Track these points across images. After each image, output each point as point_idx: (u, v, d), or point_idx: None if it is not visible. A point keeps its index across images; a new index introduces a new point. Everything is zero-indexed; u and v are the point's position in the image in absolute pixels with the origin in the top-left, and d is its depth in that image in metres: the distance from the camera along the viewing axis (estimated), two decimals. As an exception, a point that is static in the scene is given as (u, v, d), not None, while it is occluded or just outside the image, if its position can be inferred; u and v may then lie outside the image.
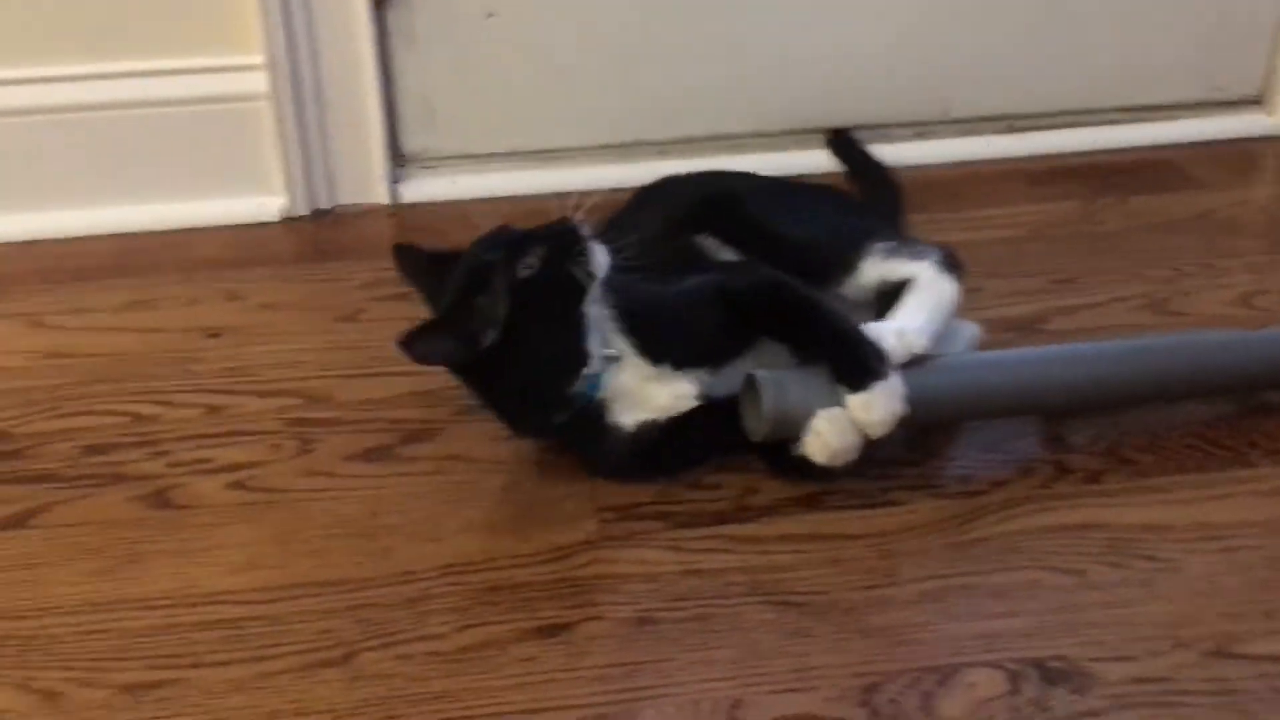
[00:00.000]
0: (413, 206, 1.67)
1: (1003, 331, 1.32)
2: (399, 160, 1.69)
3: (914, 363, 1.09)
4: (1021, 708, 0.92)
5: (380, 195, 1.67)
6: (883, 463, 1.16)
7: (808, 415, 1.07)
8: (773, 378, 1.08)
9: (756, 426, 1.10)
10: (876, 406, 1.06)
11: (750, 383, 1.10)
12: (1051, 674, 0.94)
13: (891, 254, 1.20)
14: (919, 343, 1.10)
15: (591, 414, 1.11)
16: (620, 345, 1.11)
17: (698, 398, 1.11)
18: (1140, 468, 1.15)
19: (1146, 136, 1.76)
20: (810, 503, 1.12)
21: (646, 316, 1.12)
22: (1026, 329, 1.36)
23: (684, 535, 1.08)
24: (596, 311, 1.09)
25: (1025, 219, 1.59)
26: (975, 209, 1.62)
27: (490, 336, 1.06)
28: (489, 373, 1.09)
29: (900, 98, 1.73)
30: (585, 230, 1.10)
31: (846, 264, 1.20)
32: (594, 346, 1.09)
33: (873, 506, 1.11)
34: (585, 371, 1.08)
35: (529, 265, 1.07)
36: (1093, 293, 1.42)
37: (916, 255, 1.20)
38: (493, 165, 1.70)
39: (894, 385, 1.06)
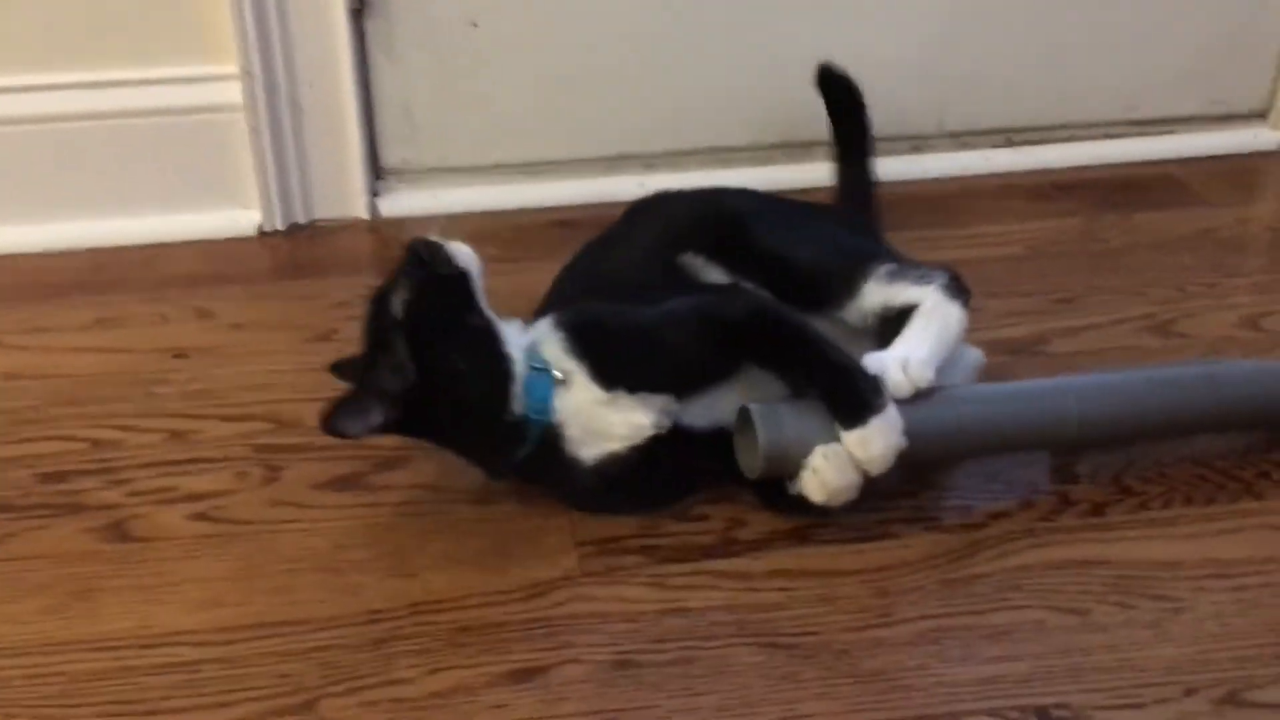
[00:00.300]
0: (393, 221, 1.62)
1: (1001, 354, 1.27)
2: (378, 173, 1.64)
3: (917, 395, 1.03)
4: (1023, 761, 0.87)
5: (359, 209, 1.62)
6: (877, 494, 1.10)
7: (805, 451, 1.02)
8: (768, 411, 1.02)
9: (751, 463, 1.04)
10: (874, 442, 1.00)
11: (744, 416, 1.04)
12: (1054, 723, 0.89)
13: (895, 277, 1.14)
14: (923, 375, 1.04)
15: (550, 445, 1.05)
16: (569, 366, 1.05)
17: (658, 426, 1.04)
18: (1145, 499, 1.10)
19: (1148, 151, 1.71)
20: (801, 536, 1.06)
21: (600, 337, 1.06)
22: (1026, 351, 1.31)
23: (667, 571, 1.03)
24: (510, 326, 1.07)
25: (1024, 236, 1.54)
26: (973, 226, 1.57)
27: (405, 381, 1.02)
28: (428, 417, 1.05)
29: (895, 110, 1.68)
30: (434, 236, 1.07)
31: (849, 287, 1.14)
32: (514, 350, 1.05)
33: (866, 540, 1.06)
34: (517, 388, 1.04)
35: (401, 298, 1.04)
36: (1094, 313, 1.37)
37: (921, 279, 1.13)
38: (475, 178, 1.65)
39: (892, 419, 1.01)
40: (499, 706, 0.91)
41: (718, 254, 1.18)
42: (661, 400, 1.05)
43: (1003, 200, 1.63)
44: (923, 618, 0.98)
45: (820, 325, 1.11)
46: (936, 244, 1.46)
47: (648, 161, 1.67)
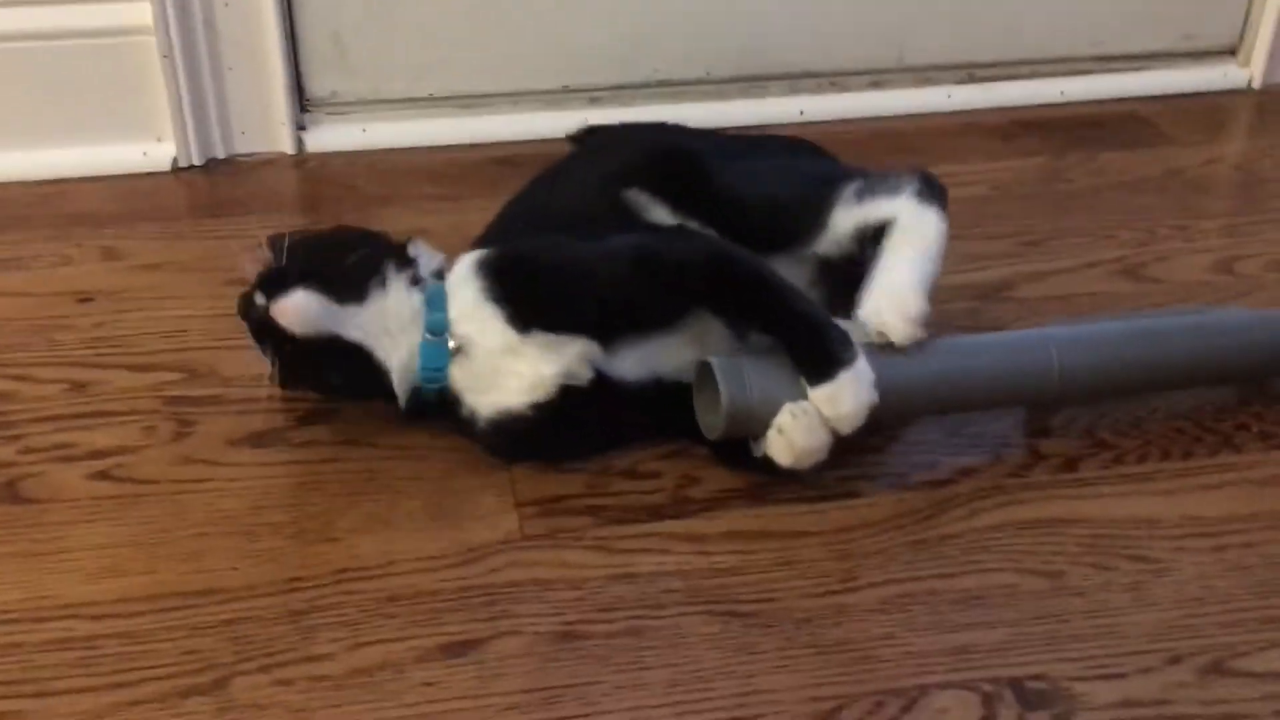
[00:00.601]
0: (319, 156, 1.51)
1: (968, 299, 1.21)
2: (304, 105, 1.53)
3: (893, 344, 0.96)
4: (998, 734, 0.80)
5: (283, 143, 1.51)
6: (840, 449, 1.03)
7: (771, 410, 0.93)
8: (730, 366, 0.94)
9: (712, 422, 0.96)
10: (844, 399, 0.92)
11: (703, 371, 0.96)
12: (1030, 696, 0.83)
13: (864, 194, 1.05)
14: (915, 304, 0.96)
15: (447, 401, 0.99)
16: (483, 313, 0.97)
17: (570, 378, 0.96)
18: (1120, 453, 1.04)
19: (1115, 88, 1.64)
20: (757, 496, 0.99)
21: (522, 273, 0.98)
22: (992, 296, 1.24)
23: (614, 533, 0.95)
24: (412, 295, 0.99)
25: (988, 176, 1.47)
26: (934, 165, 1.44)
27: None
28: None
29: (852, 44, 1.60)
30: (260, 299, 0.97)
31: (818, 217, 1.05)
32: (395, 346, 0.98)
33: (828, 499, 0.99)
34: (399, 376, 0.98)
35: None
36: (1063, 257, 1.31)
37: (891, 189, 1.05)
38: (409, 112, 1.55)
39: (863, 373, 0.93)
40: (429, 684, 0.83)
41: (667, 193, 1.08)
42: (582, 345, 0.96)
43: (965, 139, 1.56)
44: (888, 582, 0.91)
45: (789, 266, 1.03)
46: (897, 184, 1.38)
47: (592, 96, 1.57)
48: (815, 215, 1.05)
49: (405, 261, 1.00)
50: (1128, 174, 1.47)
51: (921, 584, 0.91)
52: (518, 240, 1.04)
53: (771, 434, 0.94)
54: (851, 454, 1.03)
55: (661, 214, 1.07)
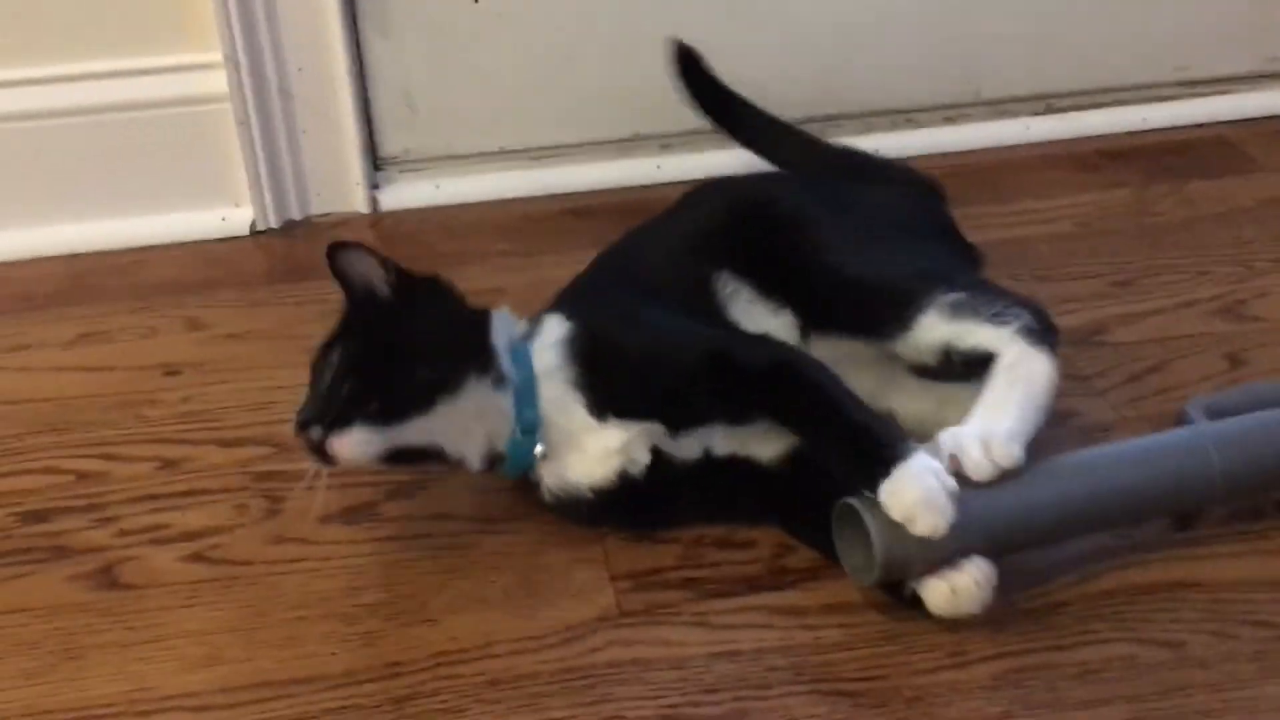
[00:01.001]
0: (394, 214, 1.51)
1: (1059, 346, 1.17)
2: (377, 163, 1.53)
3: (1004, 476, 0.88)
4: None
5: (358, 203, 1.51)
6: (938, 512, 1.01)
7: (930, 553, 0.86)
8: (880, 508, 0.86)
9: (859, 567, 0.90)
10: (905, 491, 0.85)
11: (847, 511, 0.89)
12: (1157, 777, 0.80)
13: (961, 312, 0.97)
14: (1009, 452, 0.88)
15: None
16: (569, 399, 0.96)
17: (632, 465, 0.96)
18: (1237, 511, 1.00)
19: (1200, 113, 1.59)
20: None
21: (603, 360, 0.97)
22: (1085, 342, 1.20)
23: (712, 608, 0.93)
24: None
25: (1072, 211, 1.43)
26: (1015, 201, 1.46)
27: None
28: None
29: (926, 79, 1.57)
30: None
31: (903, 319, 0.98)
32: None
33: (930, 566, 0.96)
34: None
35: None
36: (1156, 296, 1.27)
37: (996, 318, 0.96)
38: (480, 166, 1.54)
39: (922, 465, 0.86)
40: (535, 774, 0.82)
41: (753, 271, 1.04)
42: (649, 429, 0.95)
43: (1046, 172, 1.52)
44: (1000, 656, 0.88)
45: (869, 359, 1.01)
46: (978, 221, 1.34)
47: (663, 142, 1.56)
48: (901, 314, 0.98)
49: (486, 365, 0.95)
50: (1220, 204, 1.43)
51: (1035, 656, 0.88)
52: (603, 310, 1.02)
53: (940, 587, 0.87)
54: (952, 517, 1.00)
55: (747, 297, 1.04)
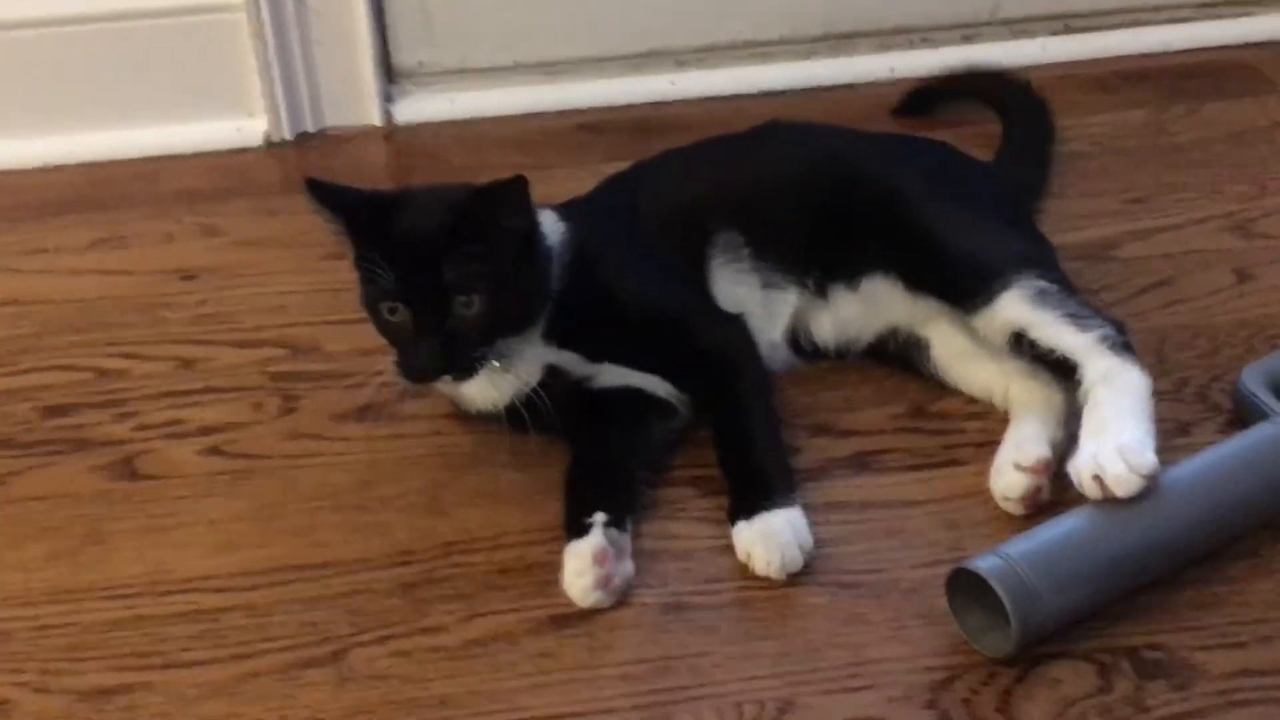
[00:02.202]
0: (408, 128, 1.52)
1: (1069, 260, 1.17)
2: (391, 76, 1.53)
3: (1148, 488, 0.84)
4: (1114, 707, 0.79)
5: (372, 116, 1.52)
6: (941, 415, 1.03)
7: (1067, 611, 0.83)
8: (1013, 578, 0.80)
9: (977, 630, 0.83)
10: (757, 533, 0.88)
11: (964, 578, 0.83)
12: (1147, 666, 0.82)
13: (1046, 301, 0.95)
14: (1147, 460, 0.84)
15: None
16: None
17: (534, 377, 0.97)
18: (1233, 414, 1.01)
19: (1219, 35, 1.58)
20: (861, 464, 0.99)
21: (593, 312, 0.98)
22: (1095, 256, 1.21)
23: (718, 504, 0.95)
24: None
25: (1089, 131, 1.42)
26: (1030, 120, 1.45)
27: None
28: None
29: (943, -3, 1.56)
30: None
31: (986, 293, 0.96)
32: None
33: (932, 467, 0.98)
34: None
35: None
36: (1168, 213, 1.27)
37: (1078, 320, 0.94)
38: (496, 80, 1.54)
39: (795, 520, 0.89)
40: (543, 655, 0.84)
41: (849, 215, 1.03)
42: (573, 359, 0.97)
43: (1063, 93, 1.50)
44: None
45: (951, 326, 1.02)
46: (994, 141, 1.35)
47: (678, 59, 1.55)
48: (988, 287, 0.96)
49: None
50: (1235, 125, 1.42)
51: (1032, 553, 0.90)
52: (599, 229, 1.02)
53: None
54: (954, 420, 1.02)
55: (743, 263, 1.04)
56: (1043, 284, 0.97)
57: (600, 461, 0.96)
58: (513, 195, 0.92)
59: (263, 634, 0.87)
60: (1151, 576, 0.86)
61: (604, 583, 0.86)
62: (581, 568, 0.87)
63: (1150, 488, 0.84)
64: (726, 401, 0.97)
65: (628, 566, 0.89)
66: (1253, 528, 0.90)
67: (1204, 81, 1.51)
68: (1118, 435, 0.86)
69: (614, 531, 0.89)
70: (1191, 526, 0.87)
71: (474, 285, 0.90)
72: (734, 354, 0.99)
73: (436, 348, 0.91)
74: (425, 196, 0.96)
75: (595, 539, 0.87)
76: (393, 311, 0.92)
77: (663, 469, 0.98)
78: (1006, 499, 0.93)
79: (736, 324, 1.02)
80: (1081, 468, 0.86)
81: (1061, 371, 0.95)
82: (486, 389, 0.98)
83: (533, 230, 0.95)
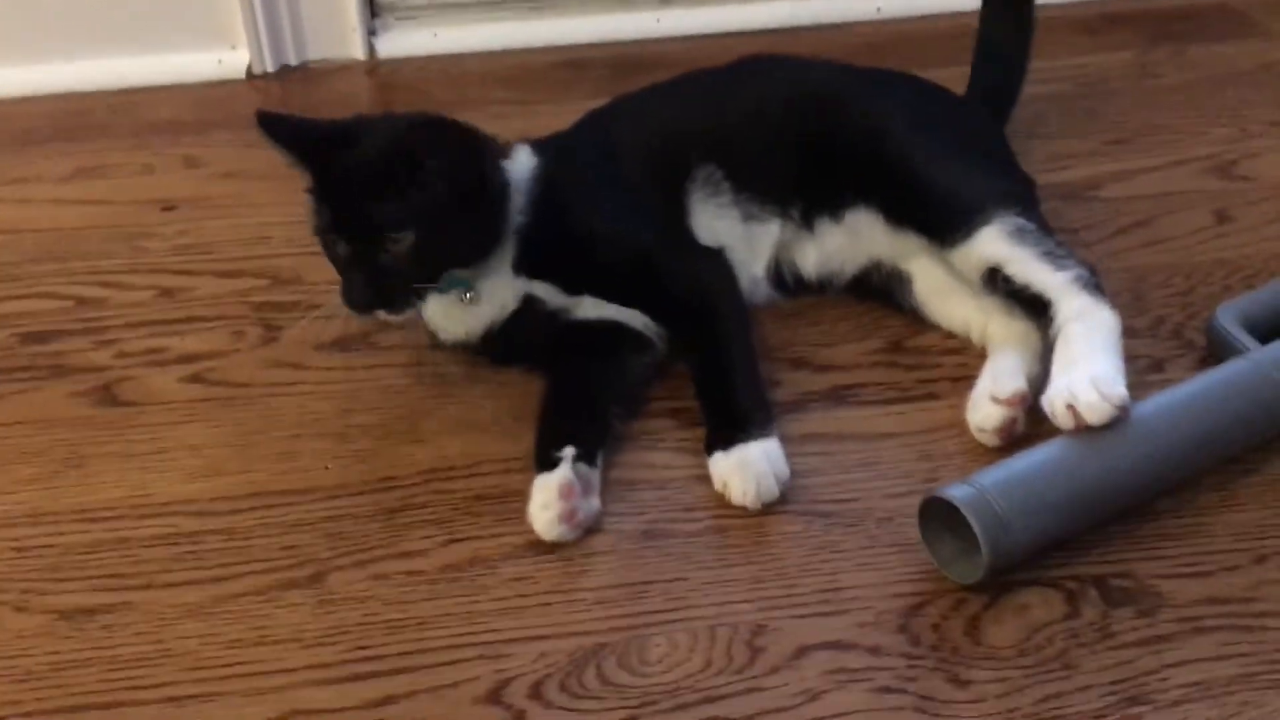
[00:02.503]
0: (391, 62, 1.51)
1: (1051, 200, 1.17)
2: (375, 10, 1.52)
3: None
4: (1081, 632, 0.81)
5: (355, 49, 1.51)
6: (918, 350, 1.03)
7: (1037, 541, 0.83)
8: (985, 506, 0.81)
9: (948, 559, 0.84)
10: (739, 471, 0.89)
11: (935, 506, 0.84)
12: (1115, 594, 0.83)
13: (1024, 238, 0.96)
14: (1118, 391, 0.85)
15: None
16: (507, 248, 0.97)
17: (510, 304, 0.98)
18: (1206, 351, 1.02)
19: (1206, -22, 1.58)
20: (838, 397, 0.99)
21: (564, 244, 0.98)
22: (1077, 196, 1.21)
23: (696, 435, 0.96)
24: None
25: (1072, 72, 1.43)
26: (1016, 61, 1.45)
27: None
28: None
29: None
30: None
31: (965, 227, 0.97)
32: None
33: (908, 401, 0.99)
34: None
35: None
36: (1150, 155, 1.28)
37: (1053, 258, 0.95)
38: (480, 15, 1.54)
39: (769, 450, 0.90)
40: (519, 579, 0.85)
41: (833, 149, 1.03)
42: (545, 288, 0.98)
43: (1049, 34, 1.48)
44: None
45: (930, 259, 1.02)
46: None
47: (664, -6, 1.55)
48: (967, 221, 0.97)
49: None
50: (1219, 68, 1.43)
51: (1005, 484, 0.91)
52: (572, 163, 1.03)
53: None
54: (930, 355, 1.03)
55: (722, 201, 1.04)
56: (1021, 221, 0.98)
57: (575, 395, 0.96)
58: (436, 135, 0.93)
59: (242, 556, 0.88)
60: (1121, 507, 0.87)
61: (568, 517, 0.87)
62: (547, 501, 0.87)
63: (1121, 418, 0.86)
64: (705, 336, 0.98)
65: (594, 503, 0.89)
66: (1222, 460, 0.91)
67: (1189, 24, 1.51)
68: (1090, 367, 0.88)
69: (583, 466, 0.89)
70: (1161, 459, 0.88)
71: (402, 223, 0.90)
72: (711, 289, 1.00)
73: (368, 281, 0.91)
74: (367, 131, 0.95)
75: (563, 473, 0.88)
76: (333, 244, 0.93)
77: (639, 402, 0.99)
78: (982, 430, 0.94)
79: (715, 258, 1.02)
80: (1055, 397, 0.87)
81: (1034, 308, 0.96)
82: (459, 319, 0.98)
83: (477, 166, 0.95)
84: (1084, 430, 0.86)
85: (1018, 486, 0.84)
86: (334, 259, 0.94)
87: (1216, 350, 1.00)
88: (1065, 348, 0.91)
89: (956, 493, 0.83)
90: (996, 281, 0.97)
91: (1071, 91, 1.39)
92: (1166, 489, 0.89)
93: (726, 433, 0.91)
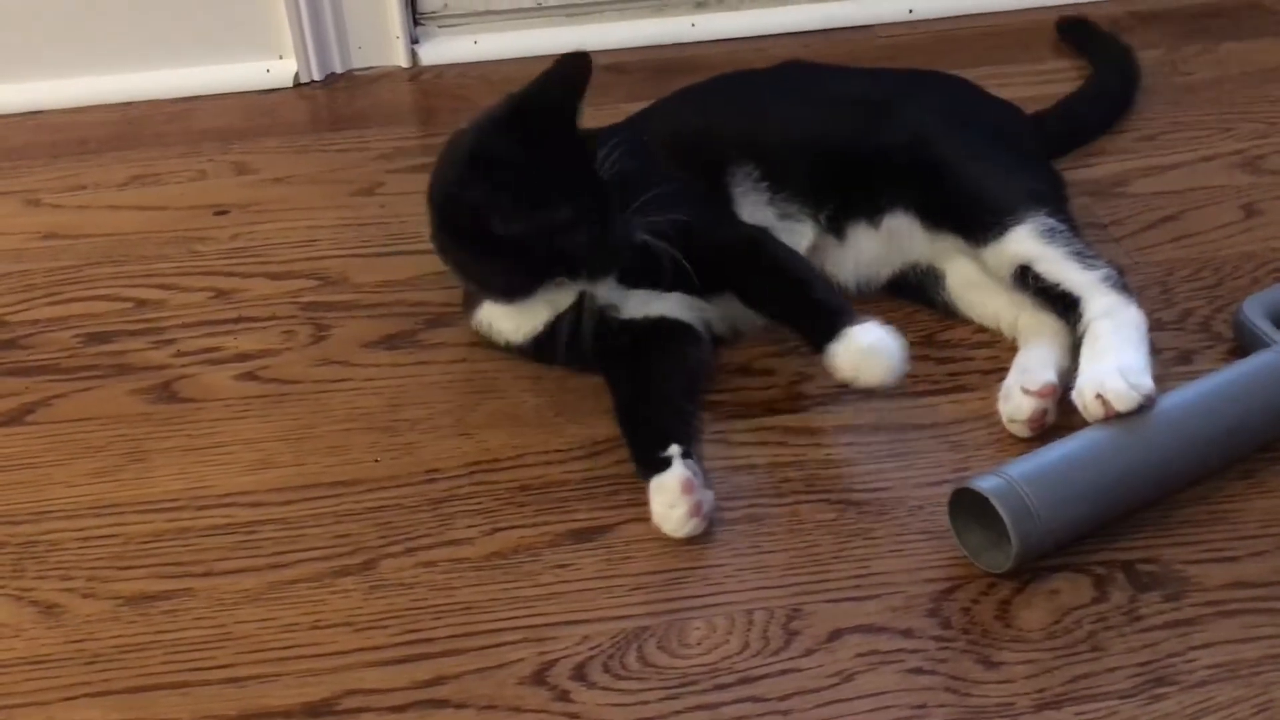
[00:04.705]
0: (434, 69, 1.55)
1: (1079, 195, 1.20)
2: (417, 18, 1.56)
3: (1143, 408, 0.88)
4: (1109, 616, 0.83)
5: (398, 57, 1.55)
6: (950, 344, 1.06)
7: (1066, 529, 0.85)
8: (1014, 497, 0.83)
9: (979, 548, 0.86)
10: (854, 346, 0.92)
11: (965, 497, 0.86)
12: (1142, 578, 0.85)
13: (1055, 238, 0.98)
14: (1145, 382, 0.88)
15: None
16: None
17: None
18: (1234, 344, 1.04)
19: (1237, -24, 1.59)
20: (869, 390, 1.01)
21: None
22: (1105, 192, 1.23)
23: (733, 427, 0.99)
24: None
25: (1103, 70, 1.44)
26: (1045, 60, 1.47)
27: None
28: None
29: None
30: None
31: (998, 226, 1.00)
32: None
33: (939, 393, 1.01)
34: None
35: None
36: (1179, 150, 1.29)
37: (1083, 258, 0.98)
38: (518, 22, 1.57)
39: (870, 328, 0.92)
40: (562, 566, 0.89)
41: (885, 149, 1.05)
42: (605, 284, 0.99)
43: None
44: (1001, 472, 0.93)
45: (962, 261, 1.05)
46: (1008, 80, 1.36)
47: (699, 0, 1.57)
48: (999, 221, 1.00)
49: None
50: (1249, 64, 1.43)
51: (1034, 473, 0.93)
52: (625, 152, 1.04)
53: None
54: (961, 349, 1.05)
55: (762, 195, 1.06)
56: (1052, 222, 1.00)
57: (652, 396, 0.98)
58: None
59: (296, 545, 0.91)
60: (1150, 498, 0.89)
61: (696, 511, 0.89)
62: (672, 500, 0.89)
63: (1147, 407, 0.88)
64: (765, 266, 1.00)
65: (710, 492, 0.91)
66: (1249, 451, 0.93)
67: (1219, 22, 1.52)
68: (1118, 359, 0.90)
69: (690, 461, 0.91)
70: (1189, 450, 0.90)
71: None
72: (758, 235, 1.03)
73: None
74: None
75: (679, 471, 0.89)
76: None
77: (701, 396, 1.01)
78: (1013, 421, 0.96)
79: (758, 228, 1.05)
80: (1084, 387, 0.89)
81: (1062, 306, 0.98)
82: (515, 318, 1.02)
83: None
84: (1113, 420, 0.88)
85: (1046, 478, 0.86)
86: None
87: (1243, 343, 1.01)
88: (1093, 343, 0.93)
89: (986, 484, 0.85)
90: (1026, 279, 0.99)
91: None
92: (1195, 480, 0.91)
93: (826, 325, 0.94)
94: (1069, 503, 0.86)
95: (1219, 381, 0.94)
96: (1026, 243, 0.99)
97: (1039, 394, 0.95)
